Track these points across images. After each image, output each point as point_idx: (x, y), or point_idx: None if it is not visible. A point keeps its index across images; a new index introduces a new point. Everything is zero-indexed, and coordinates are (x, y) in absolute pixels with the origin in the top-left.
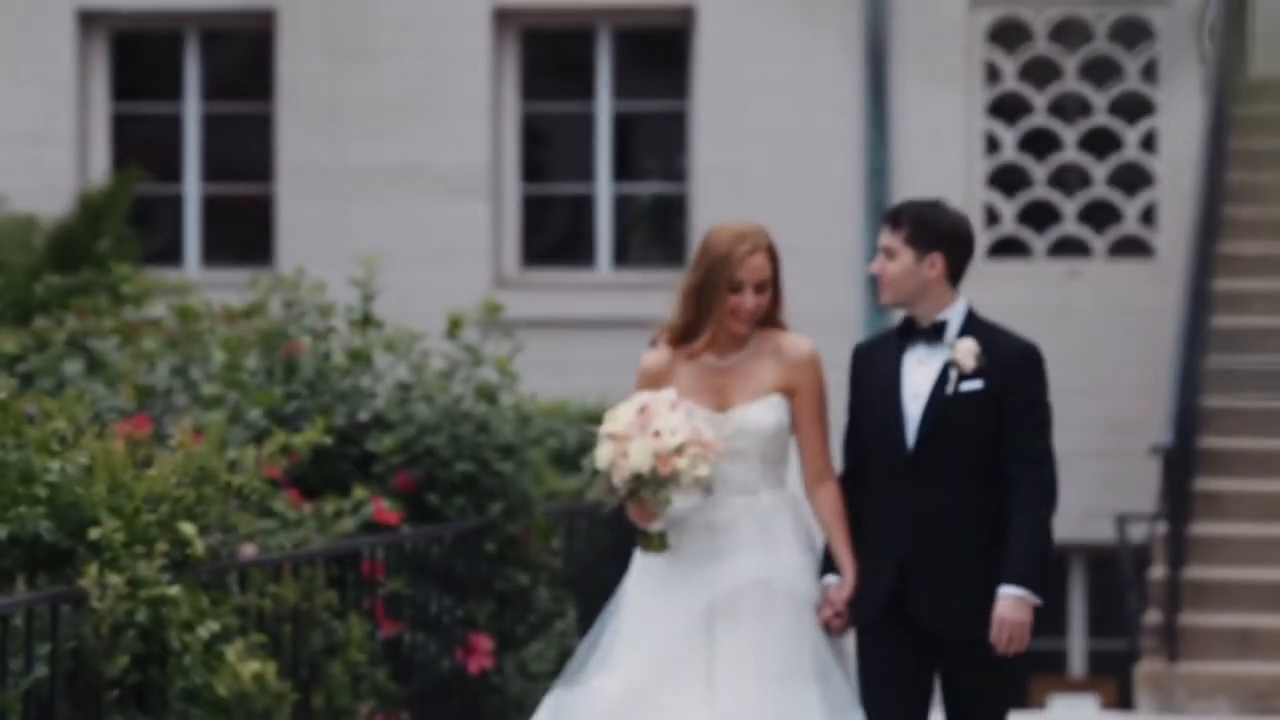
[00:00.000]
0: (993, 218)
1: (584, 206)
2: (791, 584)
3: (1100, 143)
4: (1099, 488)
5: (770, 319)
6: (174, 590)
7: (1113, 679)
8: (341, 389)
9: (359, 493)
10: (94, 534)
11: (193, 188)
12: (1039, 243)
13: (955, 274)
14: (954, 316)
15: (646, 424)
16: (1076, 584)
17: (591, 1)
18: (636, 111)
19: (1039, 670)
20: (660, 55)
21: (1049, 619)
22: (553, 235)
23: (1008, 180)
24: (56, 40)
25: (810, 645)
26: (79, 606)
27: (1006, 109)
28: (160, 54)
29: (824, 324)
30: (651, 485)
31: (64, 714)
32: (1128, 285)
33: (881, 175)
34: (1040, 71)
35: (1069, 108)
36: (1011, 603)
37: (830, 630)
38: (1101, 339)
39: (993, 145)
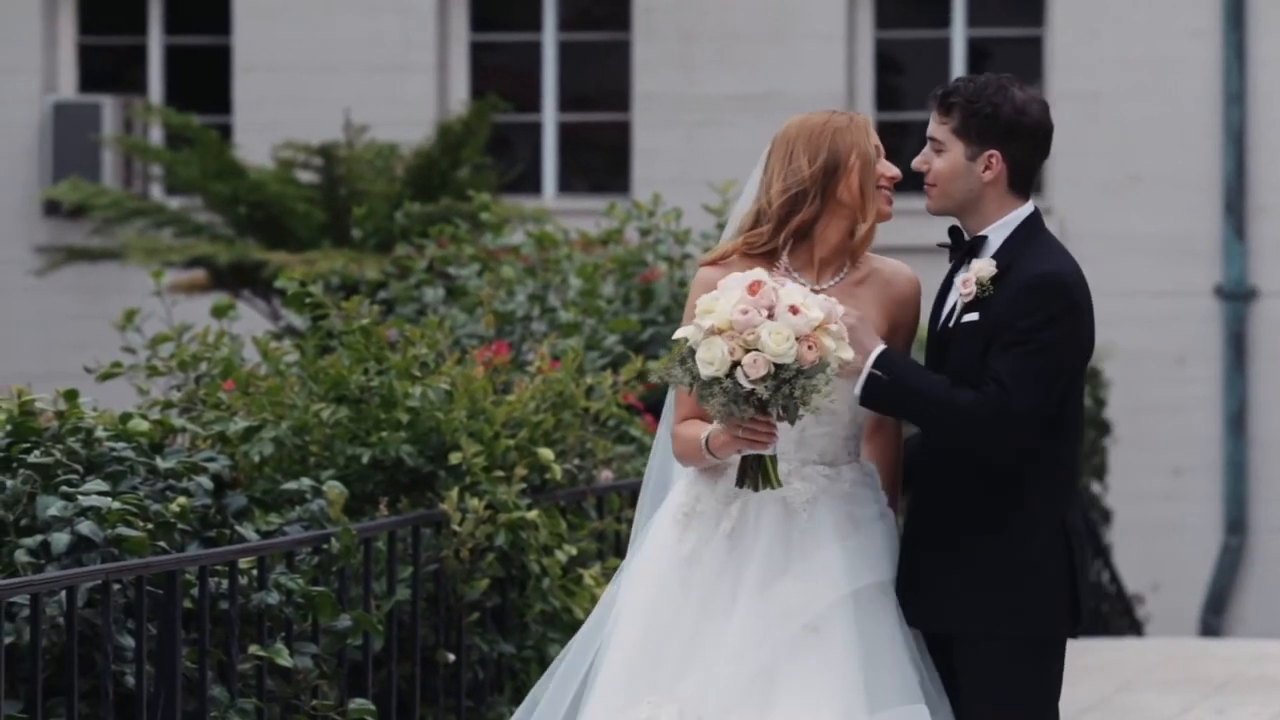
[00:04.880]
0: None
1: None
2: (884, 578)
3: None
4: None
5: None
6: (533, 514)
7: None
8: None
9: None
10: (454, 458)
11: (550, 116)
12: None
13: (1020, 178)
14: (999, 230)
15: (771, 303)
16: None
17: None
18: (991, 38)
19: None
20: None
21: None
22: (907, 162)
23: None
24: None
25: (909, 650)
26: (440, 530)
27: None
28: None
29: (1181, 252)
30: (797, 379)
31: (425, 635)
32: None
33: (1239, 100)
34: None
35: None
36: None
37: None
38: None
39: None
